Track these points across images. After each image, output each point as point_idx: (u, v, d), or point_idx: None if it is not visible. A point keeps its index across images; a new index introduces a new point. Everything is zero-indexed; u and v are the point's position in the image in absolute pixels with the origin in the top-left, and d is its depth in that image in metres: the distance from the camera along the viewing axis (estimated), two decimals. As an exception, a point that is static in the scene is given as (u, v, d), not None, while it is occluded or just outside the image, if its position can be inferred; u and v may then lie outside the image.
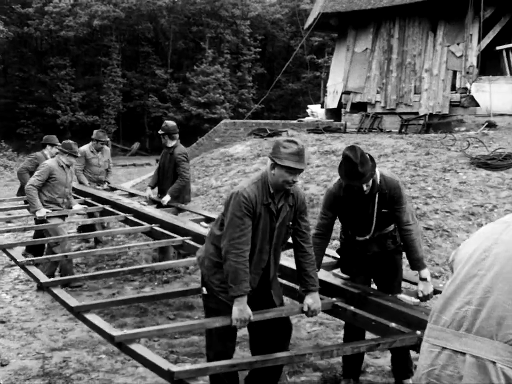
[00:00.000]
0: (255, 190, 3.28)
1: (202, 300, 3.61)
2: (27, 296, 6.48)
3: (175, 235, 5.56)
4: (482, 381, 1.84)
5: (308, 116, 16.81)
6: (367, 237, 3.88)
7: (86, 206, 7.29)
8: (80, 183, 8.30)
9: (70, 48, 38.73)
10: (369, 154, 3.66)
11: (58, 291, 4.16)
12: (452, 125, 12.50)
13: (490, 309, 1.89)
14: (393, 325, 3.33)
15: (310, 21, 16.00)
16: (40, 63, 37.91)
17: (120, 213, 6.78)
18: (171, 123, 7.42)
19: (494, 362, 1.84)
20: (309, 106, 18.32)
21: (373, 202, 3.75)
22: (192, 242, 5.28)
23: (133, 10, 37.60)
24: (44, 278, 4.40)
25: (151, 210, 6.62)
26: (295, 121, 15.21)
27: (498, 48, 12.93)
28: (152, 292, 4.25)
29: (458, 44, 12.92)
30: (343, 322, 5.30)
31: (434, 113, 12.96)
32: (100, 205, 7.25)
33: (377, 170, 3.74)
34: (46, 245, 6.90)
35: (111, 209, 7.00)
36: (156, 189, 7.54)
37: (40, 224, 6.56)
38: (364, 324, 3.58)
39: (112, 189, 8.63)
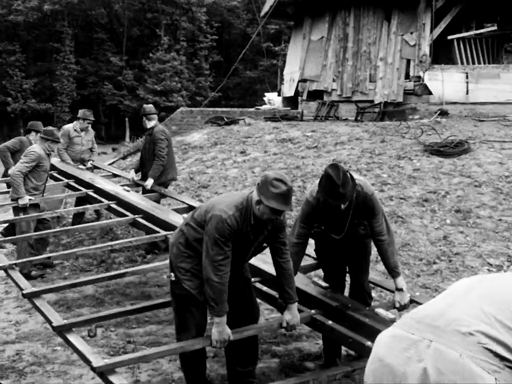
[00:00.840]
0: (238, 218, 3.29)
1: (170, 286, 3.62)
2: (-22, 288, 6.31)
3: (158, 229, 5.47)
4: (443, 366, 1.90)
5: (265, 104, 16.80)
6: (339, 236, 3.94)
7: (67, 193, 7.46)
8: (62, 160, 8.20)
9: (19, 33, 37.54)
10: (349, 173, 3.63)
11: (40, 303, 4.04)
12: (406, 113, 12.72)
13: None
14: (369, 343, 3.35)
15: (266, 8, 15.94)
16: (-13, 49, 36.68)
17: (103, 200, 6.66)
18: (148, 105, 7.55)
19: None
20: (266, 94, 18.29)
21: (347, 214, 3.77)
22: None
23: (86, -5, 36.74)
24: (27, 288, 4.22)
25: (135, 198, 6.48)
26: (252, 109, 15.18)
27: (449, 37, 13.20)
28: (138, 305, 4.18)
29: (411, 33, 13.12)
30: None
31: (389, 101, 13.15)
32: (83, 190, 7.12)
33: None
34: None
35: (94, 195, 6.88)
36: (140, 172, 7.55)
37: (19, 217, 6.57)
38: (341, 340, 3.64)
39: (96, 168, 8.51)
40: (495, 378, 1.88)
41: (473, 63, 13.16)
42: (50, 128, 7.02)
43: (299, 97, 14.25)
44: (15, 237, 6.40)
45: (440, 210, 7.53)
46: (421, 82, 12.92)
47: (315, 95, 14.11)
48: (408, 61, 13.14)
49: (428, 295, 5.51)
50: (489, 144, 9.43)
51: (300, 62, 14.28)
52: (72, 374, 4.19)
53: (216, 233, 3.24)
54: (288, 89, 15.21)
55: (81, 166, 8.18)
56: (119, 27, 39.68)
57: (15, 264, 4.85)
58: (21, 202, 6.52)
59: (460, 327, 1.97)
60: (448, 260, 6.38)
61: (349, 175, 3.60)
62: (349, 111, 13.47)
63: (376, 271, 5.84)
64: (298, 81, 14.27)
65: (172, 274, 3.53)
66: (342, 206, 3.65)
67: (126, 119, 36.02)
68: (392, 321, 3.49)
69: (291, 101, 14.93)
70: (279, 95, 16.72)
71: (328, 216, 3.81)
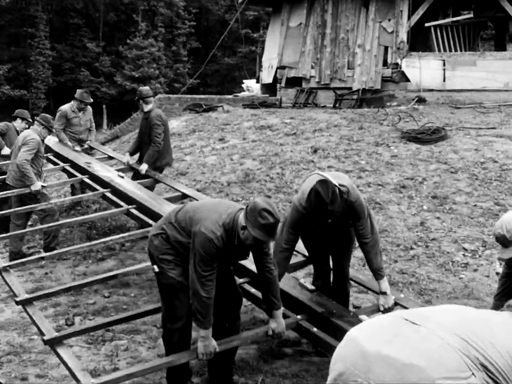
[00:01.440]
0: (225, 238, 3.34)
1: (156, 277, 3.68)
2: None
3: (151, 222, 5.41)
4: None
5: (244, 90, 16.73)
6: (326, 233, 4.01)
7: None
8: (60, 141, 8.12)
9: (-9, 18, 36.74)
10: (338, 188, 3.64)
11: (33, 311, 4.02)
12: (384, 100, 12.77)
13: None
14: None
15: (244, -6, 15.82)
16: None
17: (98, 187, 6.65)
18: (144, 87, 7.50)
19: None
20: (244, 81, 18.22)
21: (334, 220, 3.77)
22: None
23: (61, -20, 36.05)
24: (21, 295, 4.19)
25: (129, 186, 6.43)
26: (230, 96, 15.10)
27: (427, 24, 13.25)
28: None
29: (389, 20, 13.14)
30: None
31: (367, 88, 13.19)
32: (79, 176, 7.14)
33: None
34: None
35: (89, 181, 6.89)
36: (137, 156, 7.54)
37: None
38: (324, 348, 3.70)
39: (92, 149, 8.43)
40: (472, 374, 1.88)
41: (450, 51, 13.26)
42: (47, 115, 7.13)
43: (277, 84, 14.22)
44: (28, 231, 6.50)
45: (417, 197, 7.60)
46: (399, 69, 12.97)
47: (293, 82, 14.08)
48: (386, 48, 13.18)
49: (410, 294, 5.58)
50: (465, 131, 9.53)
51: (278, 48, 14.22)
52: (50, 363, 4.16)
53: (203, 251, 3.30)
54: (267, 76, 15.16)
55: (77, 148, 8.09)
56: (95, 12, 39.00)
57: (9, 266, 4.81)
58: (33, 188, 6.64)
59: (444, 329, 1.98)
60: (425, 245, 6.46)
61: (337, 191, 3.60)
62: (327, 98, 13.48)
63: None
64: (277, 68, 14.23)
65: (155, 266, 3.59)
66: (329, 221, 3.69)
67: (104, 106, 35.55)
68: None
69: (270, 88, 14.89)
70: (257, 82, 16.66)
71: (316, 223, 3.84)
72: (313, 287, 4.13)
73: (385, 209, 7.28)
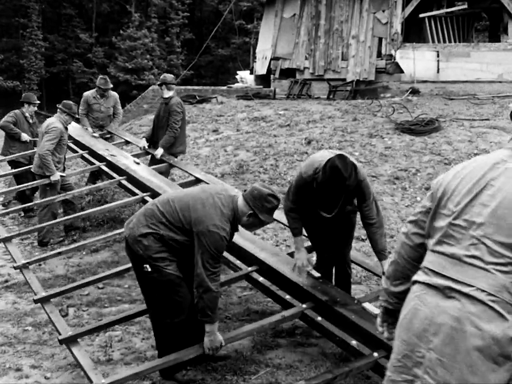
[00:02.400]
0: (230, 230, 3.46)
1: (148, 278, 3.57)
2: None
3: None
4: None
5: (238, 82, 16.68)
6: (329, 215, 3.97)
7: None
8: (82, 126, 8.41)
9: (-18, 8, 36.37)
10: (354, 165, 3.65)
11: (50, 309, 4.13)
12: (378, 91, 12.78)
13: None
14: (353, 343, 3.47)
15: (238, -15, 15.76)
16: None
17: (115, 175, 6.73)
18: (169, 74, 7.69)
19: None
20: (238, 72, 18.15)
21: (340, 196, 3.78)
22: None
23: (53, -31, 35.72)
24: (39, 293, 4.31)
25: (144, 173, 6.51)
26: (224, 88, 15.06)
27: (421, 15, 13.24)
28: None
29: (383, 11, 13.12)
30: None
31: (361, 79, 13.18)
32: (97, 163, 7.23)
33: None
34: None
35: (106, 169, 6.98)
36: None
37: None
38: (328, 336, 3.73)
39: (110, 134, 8.55)
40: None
41: (444, 42, 13.26)
42: (69, 102, 7.23)
43: (271, 76, 14.20)
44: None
45: (411, 188, 7.63)
46: (393, 60, 12.97)
47: (287, 73, 14.06)
48: (380, 39, 13.17)
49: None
50: (459, 122, 9.55)
51: (272, 39, 14.19)
52: (44, 354, 4.16)
53: (214, 249, 3.35)
54: (261, 67, 15.13)
55: (95, 134, 8.23)
56: (88, 3, 38.68)
57: (28, 263, 4.91)
58: (52, 178, 6.76)
59: None
60: (418, 236, 6.47)
61: (353, 166, 3.64)
62: (321, 89, 13.47)
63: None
64: (271, 59, 14.20)
65: (147, 266, 3.52)
66: (337, 198, 3.73)
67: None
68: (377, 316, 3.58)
69: (264, 79, 14.86)
70: (251, 73, 16.61)
71: (321, 196, 3.85)
72: (319, 275, 4.15)
73: (379, 201, 7.27)
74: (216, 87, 15.66)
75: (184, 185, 6.24)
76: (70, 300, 5.18)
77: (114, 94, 8.70)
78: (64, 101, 7.26)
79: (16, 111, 8.52)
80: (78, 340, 3.81)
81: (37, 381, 3.76)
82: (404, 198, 7.35)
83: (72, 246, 5.68)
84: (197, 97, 13.33)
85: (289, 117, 10.78)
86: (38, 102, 8.86)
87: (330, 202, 3.87)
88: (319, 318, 3.75)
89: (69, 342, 3.72)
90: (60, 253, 5.39)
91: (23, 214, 8.16)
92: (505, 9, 12.70)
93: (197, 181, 6.49)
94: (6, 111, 8.55)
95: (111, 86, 8.58)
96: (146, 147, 7.53)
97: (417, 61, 12.69)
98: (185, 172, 7.42)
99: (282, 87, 13.91)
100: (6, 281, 5.81)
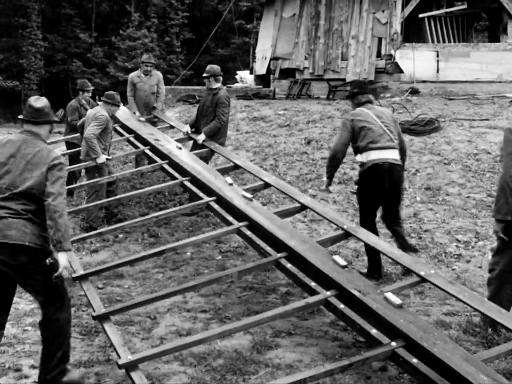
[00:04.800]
0: None
1: (49, 269, 3.48)
2: None
3: (202, 194, 5.67)
4: None
5: (237, 82, 16.67)
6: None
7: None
8: (130, 109, 8.76)
9: (-19, 8, 36.31)
10: None
11: (87, 287, 4.31)
12: (378, 91, 12.77)
13: None
14: (373, 331, 3.48)
15: (238, -16, 15.75)
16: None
17: (157, 159, 6.88)
18: (216, 66, 7.85)
19: None
20: (238, 72, 18.14)
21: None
22: (215, 206, 5.42)
23: (53, -31, 35.68)
24: (78, 271, 4.45)
25: (185, 158, 6.65)
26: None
27: (421, 15, 13.24)
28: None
29: (383, 11, 13.12)
30: (273, 288, 5.41)
31: (360, 79, 13.17)
32: (141, 147, 7.47)
33: None
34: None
35: (149, 153, 7.18)
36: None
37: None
38: (350, 324, 3.77)
39: (156, 118, 8.81)
40: None
41: (444, 42, 13.25)
42: (111, 92, 7.61)
43: (271, 75, 14.18)
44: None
45: (411, 188, 7.63)
46: (392, 60, 12.97)
47: (287, 73, 14.05)
48: (380, 39, 13.16)
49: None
50: (458, 123, 9.55)
51: (272, 39, 14.18)
52: (44, 354, 4.15)
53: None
54: (260, 67, 15.12)
55: (141, 118, 8.53)
56: (88, 3, 38.65)
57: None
58: (98, 161, 7.09)
59: None
60: (418, 236, 6.49)
61: None
62: (321, 89, 13.47)
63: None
64: (270, 59, 14.19)
65: (48, 260, 3.48)
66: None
67: (96, 97, 35.43)
68: (400, 306, 3.59)
69: (263, 79, 14.85)
70: (251, 73, 16.60)
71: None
72: (345, 263, 4.17)
73: (379, 201, 7.28)
74: (216, 87, 15.61)
75: (223, 170, 6.48)
76: (69, 300, 5.16)
77: (158, 73, 9.02)
78: (107, 92, 7.61)
79: (72, 101, 8.87)
80: (110, 317, 3.94)
81: (36, 381, 3.75)
82: (404, 198, 7.34)
83: (112, 226, 5.68)
84: (197, 97, 13.33)
85: (289, 117, 10.78)
86: (92, 87, 9.18)
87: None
88: (342, 306, 3.78)
89: (102, 319, 3.86)
90: (100, 233, 5.56)
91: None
92: (505, 9, 12.69)
93: (235, 167, 6.67)
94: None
95: (154, 62, 8.86)
96: (190, 132, 7.72)
97: (417, 61, 12.69)
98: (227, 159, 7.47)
99: (282, 87, 13.90)
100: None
